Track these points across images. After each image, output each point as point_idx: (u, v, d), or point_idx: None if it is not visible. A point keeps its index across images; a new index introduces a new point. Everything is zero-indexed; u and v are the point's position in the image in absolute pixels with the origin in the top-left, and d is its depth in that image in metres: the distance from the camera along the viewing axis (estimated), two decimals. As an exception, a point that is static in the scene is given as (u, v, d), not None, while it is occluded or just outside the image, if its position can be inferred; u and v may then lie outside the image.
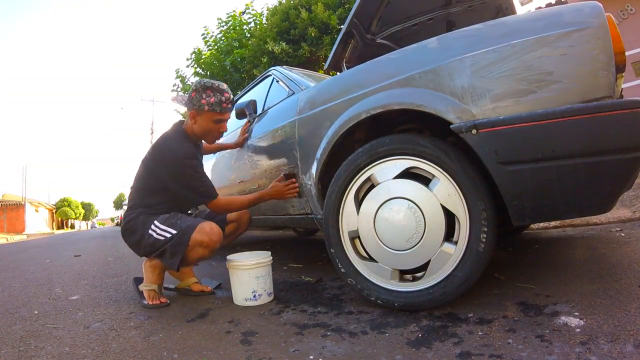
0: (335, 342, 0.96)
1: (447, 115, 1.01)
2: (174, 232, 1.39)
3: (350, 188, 1.22)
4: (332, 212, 1.25)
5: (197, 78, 6.50)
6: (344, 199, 1.23)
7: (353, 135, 1.42)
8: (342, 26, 1.80)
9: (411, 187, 1.10)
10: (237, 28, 6.08)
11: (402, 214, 1.09)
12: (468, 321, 1.00)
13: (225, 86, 1.48)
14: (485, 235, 1.00)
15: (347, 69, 1.62)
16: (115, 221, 33.85)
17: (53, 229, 30.07)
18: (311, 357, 0.88)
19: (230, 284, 1.43)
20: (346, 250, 1.23)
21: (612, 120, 0.83)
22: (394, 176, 1.13)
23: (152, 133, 19.53)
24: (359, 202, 1.21)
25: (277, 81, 2.00)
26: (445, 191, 1.06)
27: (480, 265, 1.01)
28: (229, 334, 1.08)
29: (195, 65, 6.40)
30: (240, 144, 2.03)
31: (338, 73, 1.96)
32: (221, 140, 2.12)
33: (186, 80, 6.78)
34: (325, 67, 1.99)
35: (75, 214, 34.19)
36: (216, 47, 6.22)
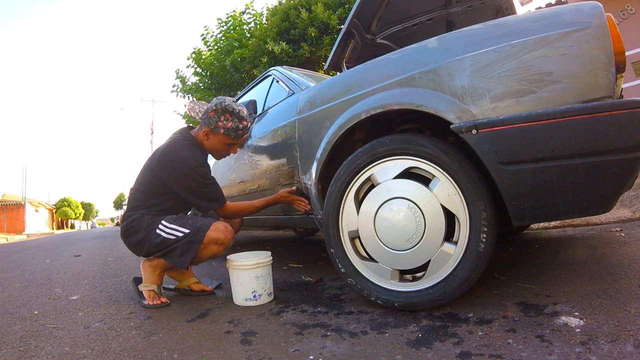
0: (335, 342, 0.96)
1: (447, 115, 1.01)
2: (186, 230, 1.40)
3: (350, 188, 1.22)
4: (332, 212, 1.25)
5: (197, 78, 6.50)
6: (344, 199, 1.23)
7: (353, 136, 1.42)
8: (342, 26, 1.80)
9: (411, 187, 1.10)
10: (237, 28, 6.08)
11: (402, 214, 1.10)
12: (468, 321, 1.00)
13: (245, 113, 1.47)
14: (485, 235, 1.00)
15: (347, 69, 1.62)
16: (115, 221, 33.85)
17: (53, 229, 30.04)
18: (311, 357, 0.88)
19: (230, 284, 1.44)
20: (346, 250, 1.24)
21: (612, 120, 0.83)
22: (394, 176, 1.13)
23: (152, 133, 19.54)
24: (359, 202, 1.21)
25: (277, 81, 2.01)
26: (445, 191, 1.06)
27: (480, 265, 1.01)
28: (229, 334, 1.08)
29: (195, 66, 6.40)
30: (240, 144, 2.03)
31: (338, 73, 1.96)
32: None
33: (186, 80, 6.77)
34: (325, 67, 1.99)
35: (75, 214, 34.17)
36: (216, 47, 6.22)
